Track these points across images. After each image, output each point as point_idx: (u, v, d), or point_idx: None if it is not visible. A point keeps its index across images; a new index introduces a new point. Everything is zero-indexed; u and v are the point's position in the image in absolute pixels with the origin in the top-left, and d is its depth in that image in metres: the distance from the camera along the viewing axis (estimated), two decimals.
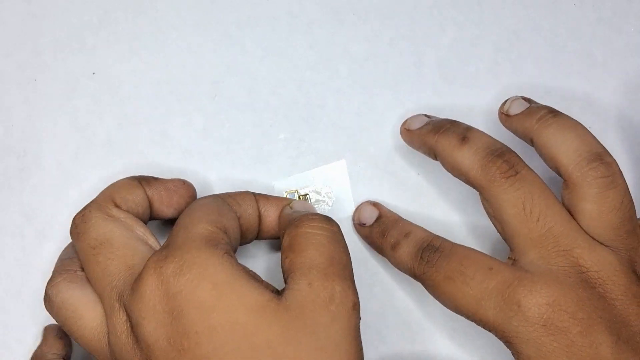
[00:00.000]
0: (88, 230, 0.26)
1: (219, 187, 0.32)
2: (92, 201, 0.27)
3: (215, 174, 0.32)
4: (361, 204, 0.32)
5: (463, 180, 0.28)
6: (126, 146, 0.32)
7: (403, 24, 0.34)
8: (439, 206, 0.32)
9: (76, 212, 0.27)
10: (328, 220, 0.26)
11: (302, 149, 0.32)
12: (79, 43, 0.34)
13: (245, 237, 0.28)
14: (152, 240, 0.26)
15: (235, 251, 0.26)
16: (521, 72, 0.33)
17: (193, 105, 0.33)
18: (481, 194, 0.27)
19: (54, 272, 0.27)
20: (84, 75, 0.33)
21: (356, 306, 0.24)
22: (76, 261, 0.27)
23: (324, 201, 0.32)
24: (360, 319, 0.24)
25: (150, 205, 0.28)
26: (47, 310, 0.26)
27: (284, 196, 0.32)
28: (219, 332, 0.22)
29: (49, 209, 0.32)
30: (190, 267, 0.23)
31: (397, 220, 0.30)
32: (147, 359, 0.23)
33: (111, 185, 0.28)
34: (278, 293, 0.24)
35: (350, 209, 0.32)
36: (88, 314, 0.25)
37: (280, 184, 0.32)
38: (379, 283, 0.31)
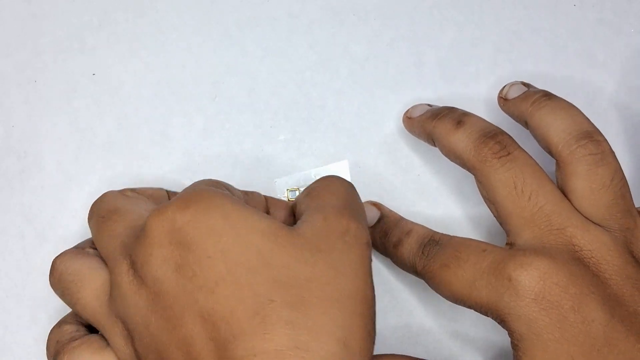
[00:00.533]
0: (100, 203, 0.26)
1: None
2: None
3: (216, 174, 0.32)
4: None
5: (459, 164, 0.28)
6: (126, 147, 0.32)
7: (403, 24, 0.34)
8: (440, 206, 0.32)
9: (77, 212, 0.28)
10: (341, 178, 0.27)
11: (303, 150, 0.32)
12: (79, 44, 0.34)
13: None
14: None
15: None
16: (521, 73, 0.33)
17: (193, 106, 0.33)
18: (475, 176, 0.27)
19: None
20: (84, 76, 0.33)
21: (369, 245, 0.24)
22: (87, 243, 0.27)
23: None
24: (371, 260, 0.24)
25: None
26: (50, 282, 0.26)
27: (285, 193, 0.32)
28: (232, 254, 0.21)
29: (50, 210, 0.32)
30: (197, 201, 0.22)
31: (399, 219, 0.30)
32: (155, 297, 0.22)
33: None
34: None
35: None
36: (90, 276, 0.25)
37: (282, 182, 0.32)
38: (381, 284, 0.31)
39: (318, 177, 0.29)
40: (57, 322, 0.26)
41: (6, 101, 0.33)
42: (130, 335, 0.23)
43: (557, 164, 0.26)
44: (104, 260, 0.25)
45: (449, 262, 0.26)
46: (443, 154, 0.29)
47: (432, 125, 0.29)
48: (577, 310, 0.23)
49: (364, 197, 0.32)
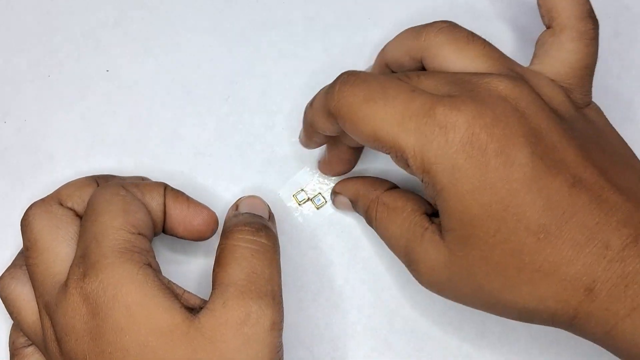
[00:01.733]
0: (25, 229, 0.26)
1: (230, 190, 0.32)
2: (41, 198, 0.27)
3: (226, 175, 0.32)
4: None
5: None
6: (138, 145, 0.33)
7: None
8: None
9: None
10: (259, 231, 0.26)
11: (315, 152, 0.32)
12: (93, 41, 0.34)
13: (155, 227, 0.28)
14: None
15: (150, 240, 0.26)
16: None
17: (206, 106, 0.33)
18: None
19: (9, 265, 0.28)
20: (98, 73, 0.33)
21: (275, 325, 0.24)
22: (22, 260, 0.28)
23: (320, 194, 0.32)
24: (280, 337, 0.24)
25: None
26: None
27: (292, 200, 0.32)
28: (130, 354, 0.23)
29: None
30: (106, 288, 0.23)
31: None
32: None
33: (65, 183, 0.28)
34: (193, 310, 0.24)
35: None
36: (24, 311, 0.26)
37: (285, 191, 0.32)
38: (387, 289, 0.31)
39: (315, 174, 0.31)
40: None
41: (19, 96, 0.33)
42: None
43: (553, 30, 0.26)
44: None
45: (375, 96, 0.23)
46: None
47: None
48: (499, 152, 0.22)
49: None
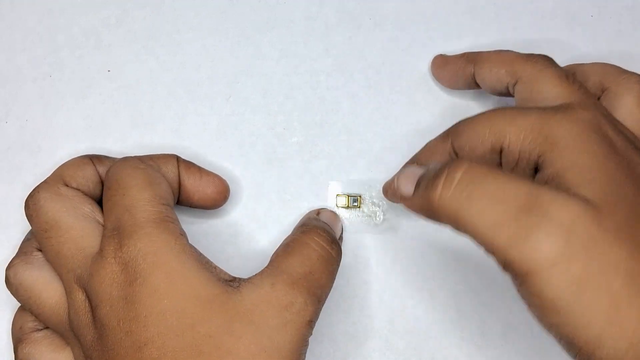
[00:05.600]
0: (38, 212, 0.26)
1: (231, 189, 0.32)
2: (43, 181, 0.27)
3: (227, 175, 0.32)
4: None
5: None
6: (140, 144, 0.33)
7: (420, 30, 0.34)
8: None
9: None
10: (332, 242, 0.27)
11: (315, 153, 0.32)
12: (95, 40, 0.34)
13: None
14: (100, 216, 0.27)
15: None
16: None
17: (207, 106, 0.33)
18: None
19: (16, 254, 0.28)
20: (100, 73, 0.33)
21: (311, 323, 0.24)
22: (34, 242, 0.27)
23: (375, 214, 0.32)
24: (310, 336, 0.25)
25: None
26: (9, 291, 0.27)
27: (334, 198, 0.32)
28: (167, 318, 0.23)
29: None
30: (145, 256, 0.23)
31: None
32: (99, 337, 0.24)
33: (62, 164, 0.28)
34: (233, 281, 0.24)
35: (397, 237, 0.32)
36: (46, 293, 0.26)
37: (334, 185, 0.32)
38: (388, 289, 0.31)
39: (372, 189, 0.30)
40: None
41: (21, 96, 0.33)
42: (85, 355, 0.25)
43: (608, 92, 0.28)
44: (55, 271, 0.26)
45: (492, 203, 0.21)
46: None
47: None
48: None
49: (378, 201, 0.32)
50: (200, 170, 0.29)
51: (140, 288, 0.23)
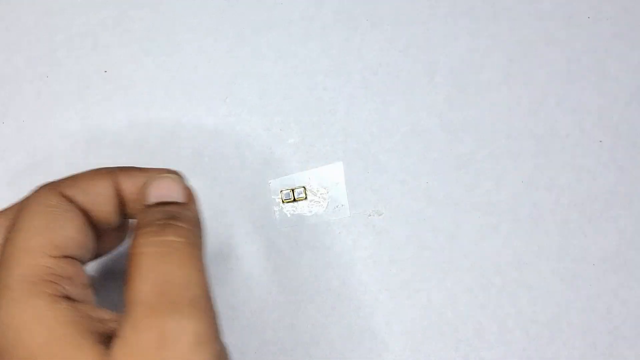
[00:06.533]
0: None
1: (228, 190, 0.32)
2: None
3: (224, 176, 0.32)
4: None
5: None
6: (136, 145, 0.32)
7: (417, 31, 0.34)
8: (448, 214, 0.32)
9: None
10: (164, 228, 0.22)
11: (312, 154, 0.32)
12: (92, 41, 0.34)
13: (108, 223, 0.25)
14: None
15: (94, 255, 0.24)
16: (534, 84, 0.33)
17: (204, 106, 0.33)
18: None
19: None
20: (97, 73, 0.33)
21: (202, 337, 0.20)
22: None
23: (318, 202, 0.32)
24: (213, 346, 0.20)
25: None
26: None
27: (279, 195, 0.32)
28: None
29: None
30: (6, 331, 0.20)
31: None
32: None
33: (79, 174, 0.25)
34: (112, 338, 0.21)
35: (344, 213, 0.32)
36: None
37: (276, 183, 0.32)
38: (384, 290, 0.31)
39: (312, 179, 0.29)
40: None
41: (18, 96, 0.33)
42: None
43: None
44: None
45: None
46: None
47: None
48: None
49: (374, 203, 0.32)
50: (142, 170, 0.25)
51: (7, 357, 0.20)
